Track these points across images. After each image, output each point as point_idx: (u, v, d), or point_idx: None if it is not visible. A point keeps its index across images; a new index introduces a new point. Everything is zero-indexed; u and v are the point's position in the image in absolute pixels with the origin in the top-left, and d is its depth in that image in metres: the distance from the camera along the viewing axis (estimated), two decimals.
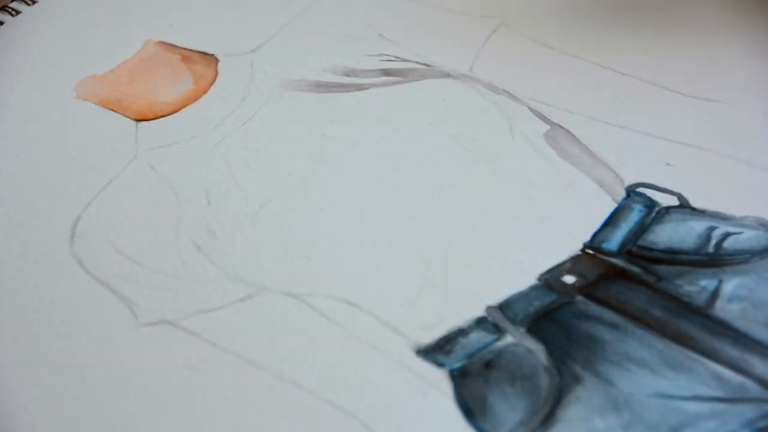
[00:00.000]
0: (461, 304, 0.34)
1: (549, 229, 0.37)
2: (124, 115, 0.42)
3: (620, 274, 0.35)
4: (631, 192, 0.38)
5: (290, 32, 0.46)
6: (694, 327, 0.33)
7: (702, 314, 0.34)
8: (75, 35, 0.46)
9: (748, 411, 0.31)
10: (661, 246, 0.36)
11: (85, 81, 0.43)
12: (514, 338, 0.33)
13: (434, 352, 0.33)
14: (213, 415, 0.31)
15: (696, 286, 0.34)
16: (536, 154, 0.40)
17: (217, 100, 0.42)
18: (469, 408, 0.31)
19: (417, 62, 0.44)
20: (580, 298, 0.34)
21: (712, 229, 0.36)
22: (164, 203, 0.38)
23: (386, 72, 0.43)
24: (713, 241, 0.36)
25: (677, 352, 0.32)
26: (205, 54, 0.45)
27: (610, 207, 0.37)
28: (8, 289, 0.35)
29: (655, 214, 0.37)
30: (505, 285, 0.35)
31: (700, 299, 0.34)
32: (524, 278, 0.35)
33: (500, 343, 0.33)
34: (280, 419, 0.31)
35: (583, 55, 0.44)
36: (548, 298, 0.34)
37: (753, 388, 0.31)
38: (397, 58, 0.44)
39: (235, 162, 0.40)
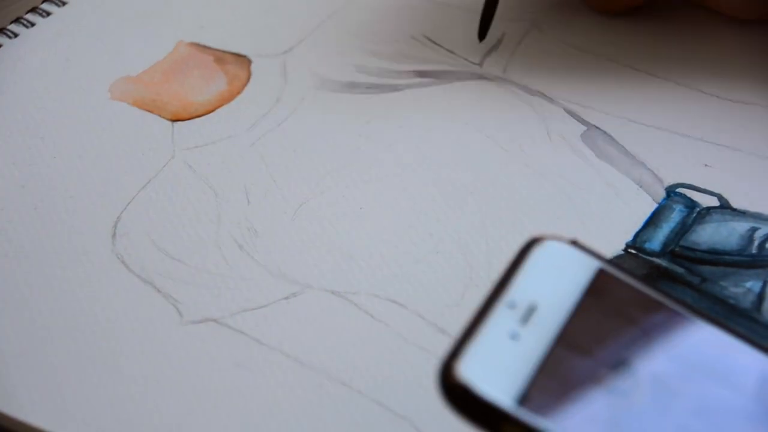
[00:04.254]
0: None
1: (590, 229, 0.37)
2: (160, 116, 0.42)
3: (664, 274, 0.35)
4: (672, 192, 0.38)
5: (322, 33, 0.46)
6: (742, 330, 0.33)
7: (749, 317, 0.33)
8: (106, 37, 0.46)
9: None
10: (704, 246, 0.36)
11: (118, 82, 0.43)
12: None
13: None
14: (262, 414, 0.31)
15: (741, 287, 0.34)
16: (574, 155, 0.40)
17: (252, 100, 0.42)
18: None
19: (450, 64, 0.44)
20: None
21: (754, 230, 0.36)
22: (204, 202, 0.38)
23: (420, 73, 0.43)
24: (756, 242, 0.36)
25: None
26: (237, 55, 0.45)
27: (650, 207, 0.37)
28: (52, 290, 0.35)
29: (696, 214, 0.37)
30: None
31: (746, 301, 0.34)
32: None
33: None
34: (330, 419, 0.31)
35: (616, 58, 0.44)
36: None
37: None
38: (430, 59, 0.44)
39: (273, 161, 0.39)
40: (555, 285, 0.27)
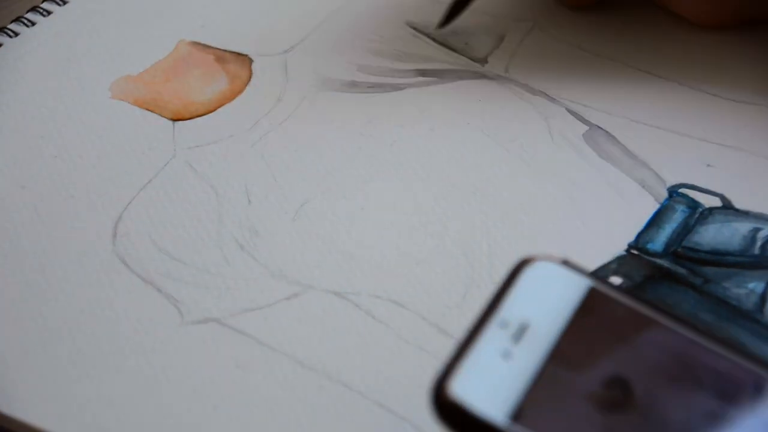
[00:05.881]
0: None
1: (592, 229, 0.36)
2: (161, 115, 0.41)
3: (666, 275, 0.35)
4: (674, 193, 0.38)
5: (323, 32, 0.45)
6: (744, 332, 0.33)
7: (752, 318, 0.33)
8: (106, 36, 0.45)
9: None
10: (707, 247, 0.36)
11: (119, 81, 0.43)
12: None
13: None
14: (263, 414, 0.31)
15: (744, 288, 0.34)
16: (576, 155, 0.39)
17: (253, 100, 0.42)
18: None
19: (452, 63, 0.44)
20: None
21: (757, 230, 0.36)
22: (205, 202, 0.38)
23: (421, 72, 0.43)
24: (759, 243, 0.36)
25: None
26: (238, 54, 0.44)
27: (652, 207, 0.37)
28: (52, 290, 0.35)
29: (698, 215, 0.37)
30: None
31: (749, 302, 0.34)
32: None
33: None
34: (330, 420, 0.31)
35: (618, 57, 0.44)
36: None
37: None
38: (431, 58, 0.44)
39: (274, 161, 0.39)
40: (546, 304, 0.27)
